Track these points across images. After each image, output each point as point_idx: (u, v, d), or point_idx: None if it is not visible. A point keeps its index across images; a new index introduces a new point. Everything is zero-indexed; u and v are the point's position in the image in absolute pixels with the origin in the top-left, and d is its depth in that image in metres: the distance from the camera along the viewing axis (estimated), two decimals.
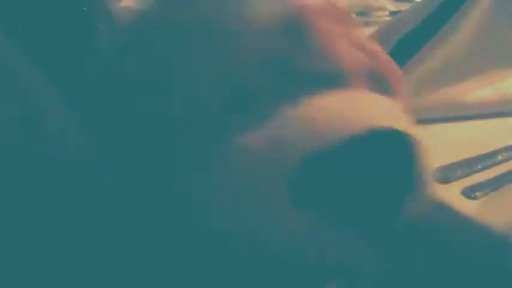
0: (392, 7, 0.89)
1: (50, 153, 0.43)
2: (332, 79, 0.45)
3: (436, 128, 0.65)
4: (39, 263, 0.42)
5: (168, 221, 0.44)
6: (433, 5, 0.68)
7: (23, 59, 0.44)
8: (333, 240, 0.42)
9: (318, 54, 0.45)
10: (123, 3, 0.49)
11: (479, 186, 0.56)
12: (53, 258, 0.42)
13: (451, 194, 0.56)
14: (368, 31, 0.71)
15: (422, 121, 0.65)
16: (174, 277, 0.45)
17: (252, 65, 0.44)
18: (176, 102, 0.45)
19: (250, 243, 0.43)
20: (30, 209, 0.41)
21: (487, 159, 0.60)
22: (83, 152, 0.44)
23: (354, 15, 0.88)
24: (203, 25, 0.45)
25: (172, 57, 0.45)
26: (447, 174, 0.58)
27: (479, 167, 0.59)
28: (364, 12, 0.88)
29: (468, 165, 0.59)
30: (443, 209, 0.55)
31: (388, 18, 0.87)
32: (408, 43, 0.68)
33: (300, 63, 0.44)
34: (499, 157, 0.60)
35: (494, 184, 0.57)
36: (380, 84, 0.48)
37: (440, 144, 0.62)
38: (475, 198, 0.55)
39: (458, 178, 0.58)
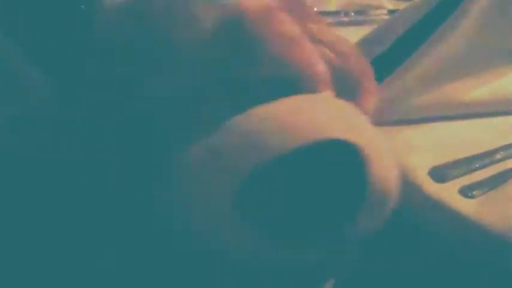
0: (391, 6, 0.89)
1: (49, 153, 0.42)
2: (287, 84, 0.43)
3: (434, 127, 0.65)
4: (37, 262, 0.42)
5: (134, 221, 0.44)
6: (431, 4, 0.68)
7: (23, 58, 0.44)
8: (281, 254, 0.41)
9: (269, 59, 0.43)
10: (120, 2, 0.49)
11: (477, 185, 0.56)
12: (44, 257, 0.42)
13: (448, 193, 0.56)
14: (366, 30, 0.71)
15: (420, 120, 0.66)
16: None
17: (196, 73, 0.43)
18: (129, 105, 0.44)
19: (197, 250, 0.42)
20: (30, 208, 0.41)
21: (485, 158, 0.60)
22: (82, 152, 0.43)
23: (352, 14, 0.88)
24: (149, 34, 0.44)
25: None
26: (444, 173, 0.58)
27: (477, 165, 0.59)
28: (361, 11, 0.88)
29: (466, 164, 0.59)
30: (441, 208, 0.55)
31: (386, 17, 0.86)
32: (406, 42, 0.67)
33: (247, 69, 0.43)
34: (497, 156, 0.60)
35: (492, 183, 0.57)
36: (349, 83, 0.47)
37: (437, 143, 0.62)
38: (472, 197, 0.55)
39: (456, 177, 0.58)
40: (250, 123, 0.41)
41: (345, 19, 0.87)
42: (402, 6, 0.78)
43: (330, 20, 0.84)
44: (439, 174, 0.58)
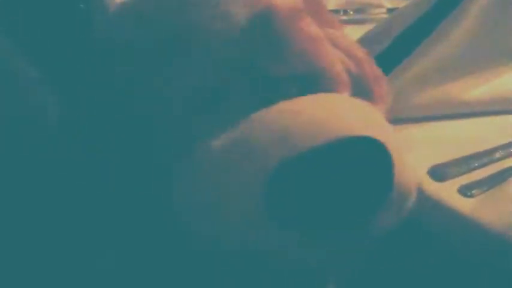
0: (390, 4, 0.89)
1: (49, 153, 0.42)
2: (311, 83, 0.44)
3: (433, 126, 0.65)
4: (35, 261, 0.42)
5: (146, 221, 0.44)
6: (430, 2, 0.68)
7: (23, 58, 0.44)
8: (305, 249, 0.41)
9: (295, 57, 0.44)
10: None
11: (476, 184, 0.56)
12: (41, 257, 0.42)
13: (447, 192, 0.56)
14: (365, 28, 0.71)
15: (419, 119, 0.66)
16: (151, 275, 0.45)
17: (223, 66, 0.43)
18: (146, 102, 0.44)
19: (219, 247, 0.42)
20: (29, 208, 0.41)
21: (484, 157, 0.60)
22: (82, 152, 0.43)
23: (351, 13, 0.88)
24: (182, 26, 0.45)
25: (157, 58, 0.44)
26: (444, 172, 0.58)
27: (476, 164, 0.59)
28: (361, 10, 0.88)
29: (465, 163, 0.59)
30: (440, 207, 0.55)
31: (386, 16, 0.87)
32: (406, 40, 0.67)
33: (274, 66, 0.43)
34: (496, 155, 0.60)
35: (491, 182, 0.57)
36: (363, 89, 0.47)
37: (437, 142, 0.62)
38: (471, 196, 0.55)
39: (455, 176, 0.58)
40: (277, 117, 0.42)
41: (344, 18, 0.87)
42: (401, 4, 0.78)
43: None
44: (438, 173, 0.58)
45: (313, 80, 0.44)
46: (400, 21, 0.69)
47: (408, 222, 0.46)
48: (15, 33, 0.46)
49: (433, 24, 0.67)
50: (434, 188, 0.56)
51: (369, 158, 0.41)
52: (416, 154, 0.57)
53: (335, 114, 0.42)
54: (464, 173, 0.58)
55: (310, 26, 0.45)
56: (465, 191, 0.56)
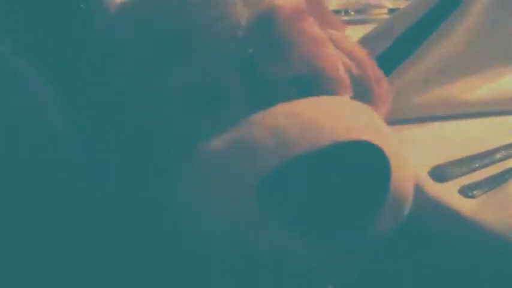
0: (391, 4, 0.89)
1: (49, 153, 0.42)
2: (312, 84, 0.44)
3: (434, 126, 0.65)
4: (35, 261, 0.42)
5: (146, 221, 0.44)
6: (431, 3, 0.68)
7: (23, 58, 0.44)
8: (304, 250, 0.41)
9: (297, 58, 0.44)
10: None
11: (477, 185, 0.56)
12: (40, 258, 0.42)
13: (448, 193, 0.56)
14: (366, 29, 0.71)
15: (420, 119, 0.66)
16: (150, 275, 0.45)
17: (223, 66, 0.43)
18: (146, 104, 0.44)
19: (218, 248, 0.42)
20: (29, 208, 0.41)
21: (485, 157, 0.60)
22: (81, 152, 0.43)
23: (352, 13, 0.88)
24: (182, 26, 0.44)
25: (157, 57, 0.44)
26: (445, 173, 0.58)
27: (477, 165, 0.59)
28: (362, 10, 0.88)
29: (466, 164, 0.59)
30: (441, 208, 0.55)
31: (387, 16, 0.87)
32: (407, 41, 0.67)
33: (275, 67, 0.43)
34: (497, 155, 0.60)
35: (492, 183, 0.57)
36: (363, 89, 0.47)
37: (438, 143, 0.62)
38: (472, 196, 0.55)
39: (456, 176, 0.58)
40: (276, 119, 0.41)
41: (345, 18, 0.87)
42: (402, 5, 0.78)
43: None
44: (439, 173, 0.58)
45: (314, 82, 0.44)
46: (401, 21, 0.69)
47: (409, 222, 0.45)
48: (15, 33, 0.46)
49: (434, 24, 0.67)
50: (435, 188, 0.56)
51: (366, 162, 0.41)
52: (418, 154, 0.57)
53: (334, 117, 0.42)
54: (465, 174, 0.58)
55: (312, 27, 0.45)
56: (466, 191, 0.56)
